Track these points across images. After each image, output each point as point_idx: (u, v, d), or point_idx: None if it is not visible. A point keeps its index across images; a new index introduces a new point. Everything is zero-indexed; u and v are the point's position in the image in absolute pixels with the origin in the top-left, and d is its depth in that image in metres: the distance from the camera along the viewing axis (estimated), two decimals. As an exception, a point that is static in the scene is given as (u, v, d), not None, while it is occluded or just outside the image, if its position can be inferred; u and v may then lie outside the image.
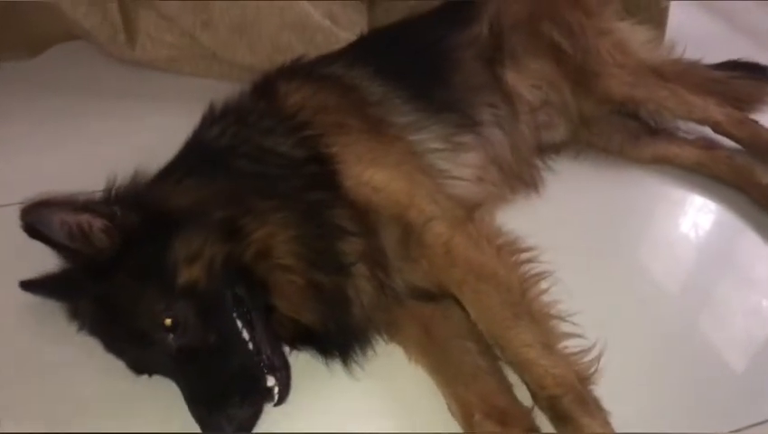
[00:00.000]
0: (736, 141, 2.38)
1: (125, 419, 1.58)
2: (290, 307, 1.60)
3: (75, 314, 1.63)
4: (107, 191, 1.61)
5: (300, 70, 2.04)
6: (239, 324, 1.53)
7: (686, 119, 2.41)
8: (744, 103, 2.54)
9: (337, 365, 1.66)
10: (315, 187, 1.67)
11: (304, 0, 2.56)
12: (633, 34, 2.45)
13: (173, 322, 1.45)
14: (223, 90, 1.95)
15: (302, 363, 1.66)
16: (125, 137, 2.41)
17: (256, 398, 1.50)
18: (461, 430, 1.56)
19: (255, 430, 1.53)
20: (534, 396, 1.51)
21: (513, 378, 1.61)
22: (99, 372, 1.63)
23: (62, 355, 1.70)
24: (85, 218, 1.49)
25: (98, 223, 1.50)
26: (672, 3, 2.82)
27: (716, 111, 2.37)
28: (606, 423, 1.45)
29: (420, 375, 1.69)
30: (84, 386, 1.66)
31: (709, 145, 2.41)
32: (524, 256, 1.69)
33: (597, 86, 2.30)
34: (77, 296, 1.60)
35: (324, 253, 1.61)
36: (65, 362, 1.69)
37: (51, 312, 1.68)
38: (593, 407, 1.46)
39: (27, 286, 1.71)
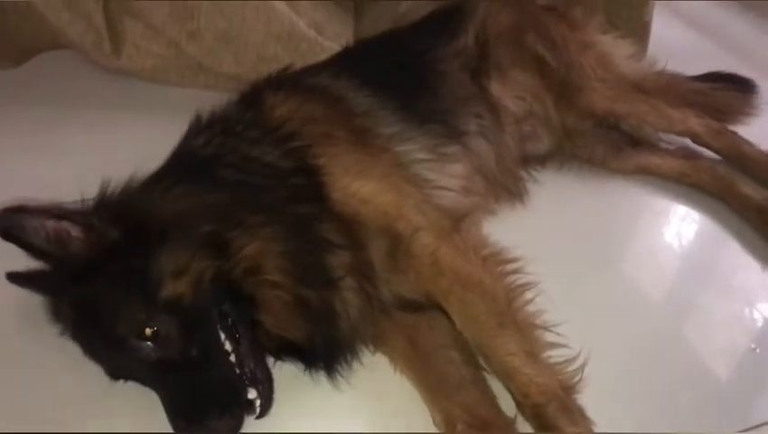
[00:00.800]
0: (715, 152, 2.41)
1: (112, 419, 1.58)
2: (276, 323, 1.60)
3: (57, 316, 1.61)
4: (96, 198, 1.61)
5: (287, 81, 2.04)
6: (223, 336, 1.53)
7: (666, 132, 2.45)
8: (726, 114, 2.57)
9: (322, 377, 1.65)
10: (302, 199, 1.67)
11: (290, 11, 2.57)
12: (616, 48, 2.48)
13: (153, 333, 1.44)
14: (209, 101, 1.95)
15: (286, 374, 1.66)
16: (109, 147, 2.40)
17: (236, 410, 1.49)
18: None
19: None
20: (518, 405, 1.52)
21: (497, 389, 1.62)
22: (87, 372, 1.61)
23: (51, 355, 1.68)
24: (63, 226, 1.49)
25: (75, 232, 1.50)
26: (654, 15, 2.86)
27: (696, 123, 2.41)
28: (590, 432, 1.47)
29: (405, 387, 1.69)
30: (74, 386, 1.65)
31: (691, 155, 2.44)
32: (510, 267, 1.71)
33: (579, 100, 2.33)
34: (59, 295, 1.59)
35: (312, 268, 1.61)
36: (53, 361, 1.68)
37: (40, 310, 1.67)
38: (577, 415, 1.48)
39: (14, 278, 1.68)
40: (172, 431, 1.47)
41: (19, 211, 1.49)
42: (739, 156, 2.37)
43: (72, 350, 1.59)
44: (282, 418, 1.59)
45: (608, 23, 2.62)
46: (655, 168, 2.44)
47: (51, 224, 1.49)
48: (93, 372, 1.57)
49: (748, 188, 2.29)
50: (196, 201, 1.63)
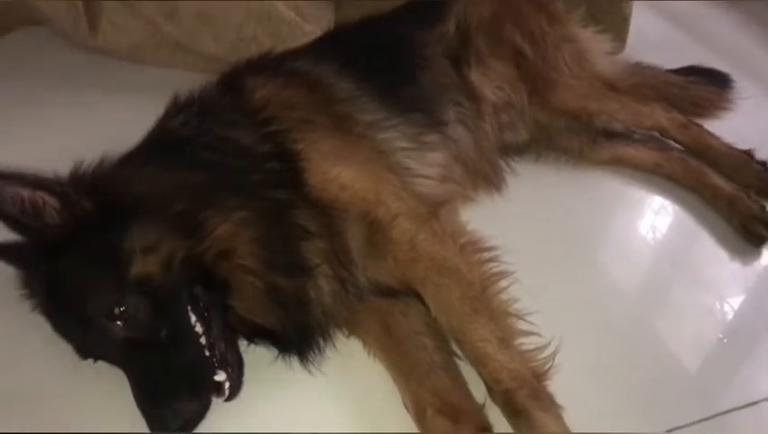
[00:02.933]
0: (682, 145, 2.45)
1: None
2: (249, 309, 1.60)
3: (30, 290, 1.60)
4: (71, 174, 1.60)
5: (268, 65, 2.03)
6: (193, 318, 1.53)
7: (636, 128, 2.47)
8: (702, 108, 2.63)
9: (295, 361, 1.66)
10: (278, 184, 1.67)
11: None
12: (594, 44, 2.50)
13: (122, 313, 1.44)
14: (187, 81, 1.94)
15: (259, 357, 1.66)
16: (84, 126, 2.37)
17: (203, 393, 1.50)
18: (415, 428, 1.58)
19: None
20: (490, 391, 1.55)
21: (469, 376, 1.64)
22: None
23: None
24: (38, 195, 1.48)
25: (51, 201, 1.49)
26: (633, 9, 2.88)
27: (663, 117, 2.45)
28: (559, 418, 1.49)
29: (380, 373, 1.70)
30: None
31: (664, 146, 2.47)
32: (486, 255, 1.73)
33: (552, 95, 2.35)
34: (32, 268, 1.58)
35: (286, 255, 1.61)
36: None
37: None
38: (547, 402, 1.50)
39: None
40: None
41: None
42: (705, 149, 2.41)
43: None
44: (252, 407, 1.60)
45: (589, 15, 2.62)
46: (630, 159, 2.47)
47: (26, 192, 1.47)
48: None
49: (719, 179, 2.33)
50: (170, 179, 1.62)
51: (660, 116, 2.44)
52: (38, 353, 1.65)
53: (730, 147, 2.41)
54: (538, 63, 2.33)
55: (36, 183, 1.49)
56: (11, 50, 2.83)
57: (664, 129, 2.45)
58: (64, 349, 1.57)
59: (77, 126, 2.40)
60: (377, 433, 1.58)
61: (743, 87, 2.73)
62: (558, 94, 2.34)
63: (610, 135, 2.46)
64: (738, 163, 2.37)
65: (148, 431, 1.45)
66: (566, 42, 2.40)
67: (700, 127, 2.48)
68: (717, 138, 2.44)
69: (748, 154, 2.39)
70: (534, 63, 2.33)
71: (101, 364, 1.56)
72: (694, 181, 2.37)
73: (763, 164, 2.37)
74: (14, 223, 1.50)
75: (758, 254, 2.19)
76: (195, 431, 1.49)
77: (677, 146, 2.46)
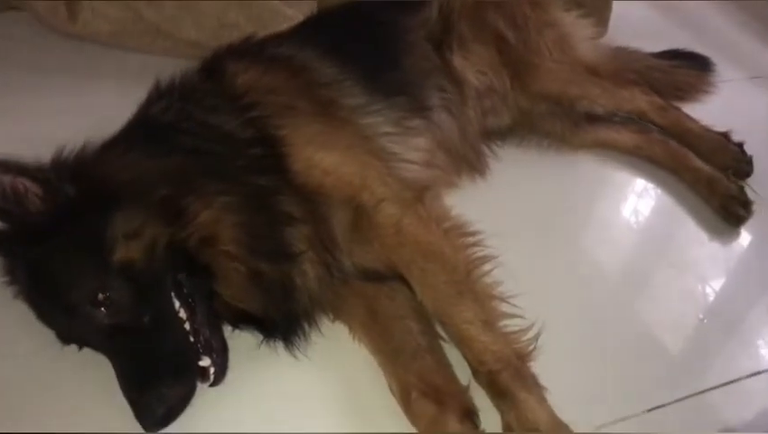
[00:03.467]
0: (660, 128, 2.48)
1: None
2: (233, 295, 1.60)
3: (12, 278, 1.58)
4: (53, 160, 1.59)
5: (250, 50, 2.01)
6: (177, 304, 1.52)
7: (617, 111, 2.49)
8: (684, 91, 2.66)
9: (280, 346, 1.66)
10: (261, 170, 1.66)
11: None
12: (576, 29, 2.51)
13: (106, 299, 1.44)
14: (169, 67, 1.91)
15: (244, 343, 1.66)
16: (65, 113, 2.32)
17: (188, 378, 1.50)
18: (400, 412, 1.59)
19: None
20: (474, 372, 1.57)
21: (453, 359, 1.65)
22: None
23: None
24: (20, 181, 1.47)
25: (33, 188, 1.48)
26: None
27: (642, 100, 2.48)
28: (543, 399, 1.52)
29: (365, 357, 1.71)
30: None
31: (645, 129, 2.50)
32: (470, 239, 1.74)
33: (533, 80, 2.35)
34: (14, 256, 1.56)
35: (270, 242, 1.61)
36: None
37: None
38: (530, 382, 1.52)
39: None
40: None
41: None
42: (683, 132, 2.45)
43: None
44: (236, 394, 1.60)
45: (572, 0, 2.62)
46: (612, 142, 2.50)
47: (7, 179, 1.46)
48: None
49: (698, 161, 2.36)
50: (152, 165, 1.61)
51: (639, 99, 2.47)
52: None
53: (707, 130, 2.45)
54: (520, 48, 2.34)
55: (18, 169, 1.48)
56: (-12, 36, 2.77)
57: (643, 113, 2.48)
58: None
59: (58, 112, 2.36)
60: (362, 418, 1.59)
61: (723, 70, 2.76)
62: (540, 79, 2.35)
63: (592, 118, 2.47)
64: (715, 145, 2.41)
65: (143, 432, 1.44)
66: (548, 27, 2.40)
67: (678, 110, 2.51)
68: (695, 121, 2.48)
69: (725, 136, 2.43)
70: (515, 48, 2.34)
71: (97, 363, 1.54)
72: (674, 163, 2.40)
73: (739, 145, 2.41)
74: None
75: (738, 236, 2.23)
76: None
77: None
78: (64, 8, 2.59)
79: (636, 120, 2.50)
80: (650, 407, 1.67)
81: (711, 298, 2.02)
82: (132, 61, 2.66)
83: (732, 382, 1.77)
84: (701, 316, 1.95)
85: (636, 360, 1.80)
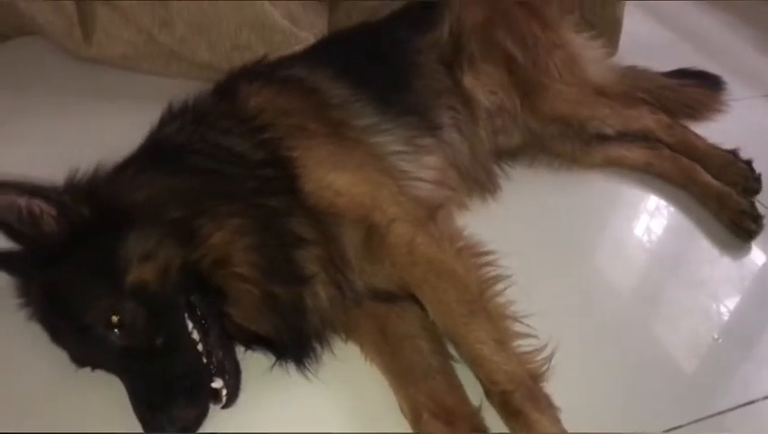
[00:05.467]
0: (668, 146, 2.48)
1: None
2: (245, 316, 1.60)
3: (27, 299, 1.59)
4: (66, 182, 1.60)
5: (262, 72, 2.04)
6: (190, 325, 1.53)
7: (625, 130, 2.48)
8: (695, 110, 2.67)
9: (292, 367, 1.66)
10: (273, 192, 1.67)
11: (265, 0, 2.55)
12: (585, 50, 2.52)
13: (119, 320, 1.44)
14: (182, 89, 1.94)
15: (256, 364, 1.66)
16: (79, 136, 2.36)
17: (201, 400, 1.49)
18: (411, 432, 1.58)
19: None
20: (486, 392, 1.55)
21: (465, 380, 1.64)
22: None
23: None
24: (35, 203, 1.48)
25: (47, 209, 1.49)
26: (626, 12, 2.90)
27: (650, 119, 2.49)
28: (556, 419, 1.50)
29: (377, 377, 1.70)
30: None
31: (654, 145, 2.49)
32: (483, 259, 1.74)
33: (543, 101, 2.36)
34: (29, 277, 1.57)
35: (282, 264, 1.61)
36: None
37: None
38: (543, 403, 1.51)
39: None
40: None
41: None
42: (690, 150, 2.45)
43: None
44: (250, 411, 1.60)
45: (583, 20, 2.64)
46: (622, 159, 2.49)
47: (23, 201, 1.47)
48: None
49: (708, 176, 2.36)
50: (165, 186, 1.62)
51: (647, 118, 2.48)
52: (37, 355, 1.63)
53: (715, 147, 2.45)
54: (529, 69, 2.35)
55: (33, 191, 1.49)
56: (5, 59, 2.82)
57: (651, 131, 2.48)
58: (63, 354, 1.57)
59: (72, 134, 2.39)
60: (374, 438, 1.58)
61: (735, 89, 2.76)
62: (549, 100, 2.36)
63: (602, 137, 2.47)
64: (723, 162, 2.40)
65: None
66: (558, 48, 2.41)
67: (685, 128, 2.52)
68: (702, 139, 2.49)
69: (733, 153, 2.43)
70: (525, 68, 2.34)
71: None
72: (684, 178, 2.40)
73: (747, 163, 2.40)
74: (10, 232, 1.49)
75: (753, 254, 2.20)
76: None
77: (666, 145, 2.49)
78: (79, 31, 2.63)
79: (646, 137, 2.50)
80: (666, 428, 1.64)
81: (725, 317, 2.00)
82: (146, 84, 2.70)
83: (749, 403, 1.74)
84: (716, 336, 1.92)
85: (650, 380, 1.78)
